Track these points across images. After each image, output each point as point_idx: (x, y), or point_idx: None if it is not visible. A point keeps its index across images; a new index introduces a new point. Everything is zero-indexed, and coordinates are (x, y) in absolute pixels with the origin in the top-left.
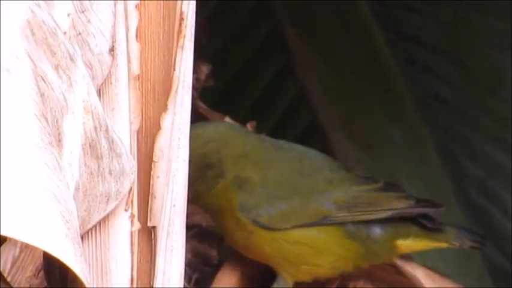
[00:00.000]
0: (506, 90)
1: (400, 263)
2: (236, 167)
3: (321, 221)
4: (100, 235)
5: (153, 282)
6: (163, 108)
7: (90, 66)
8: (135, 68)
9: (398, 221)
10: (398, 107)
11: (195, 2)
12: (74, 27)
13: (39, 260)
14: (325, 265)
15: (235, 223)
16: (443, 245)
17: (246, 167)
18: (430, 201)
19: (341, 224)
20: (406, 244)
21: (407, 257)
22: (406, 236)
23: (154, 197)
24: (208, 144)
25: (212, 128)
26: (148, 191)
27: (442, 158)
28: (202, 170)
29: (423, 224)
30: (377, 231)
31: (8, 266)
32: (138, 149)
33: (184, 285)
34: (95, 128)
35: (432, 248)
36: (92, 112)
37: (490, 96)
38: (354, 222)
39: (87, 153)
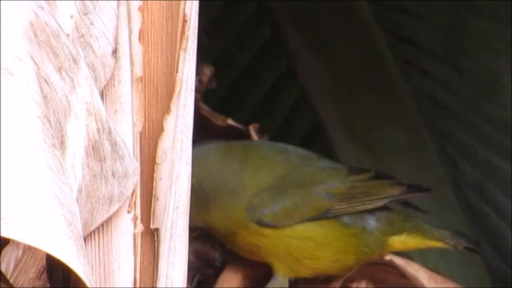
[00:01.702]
0: (503, 93)
1: (403, 264)
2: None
3: (323, 215)
4: (103, 237)
5: (156, 284)
6: (166, 110)
7: (93, 68)
8: (138, 70)
9: (393, 215)
10: (399, 109)
11: (198, 3)
12: (77, 29)
13: (42, 262)
14: (326, 258)
15: (240, 226)
16: (438, 244)
17: (245, 174)
18: (419, 186)
19: (338, 216)
20: (400, 240)
21: (409, 257)
22: (400, 232)
23: (157, 199)
24: (210, 172)
25: (203, 155)
26: (151, 193)
27: (440, 160)
28: (214, 198)
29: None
30: (372, 223)
31: (11, 267)
32: (141, 151)
33: (186, 286)
34: (98, 130)
35: (426, 247)
36: (95, 114)
37: (486, 100)
38: (350, 214)
39: (90, 155)
